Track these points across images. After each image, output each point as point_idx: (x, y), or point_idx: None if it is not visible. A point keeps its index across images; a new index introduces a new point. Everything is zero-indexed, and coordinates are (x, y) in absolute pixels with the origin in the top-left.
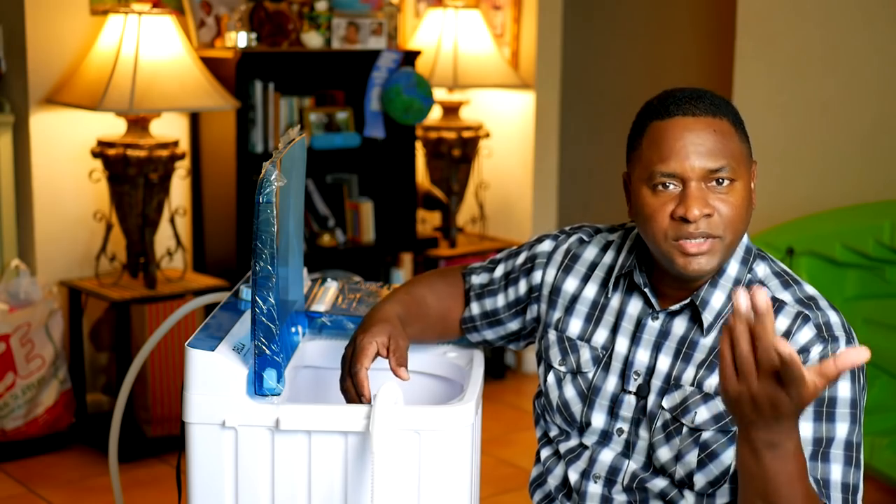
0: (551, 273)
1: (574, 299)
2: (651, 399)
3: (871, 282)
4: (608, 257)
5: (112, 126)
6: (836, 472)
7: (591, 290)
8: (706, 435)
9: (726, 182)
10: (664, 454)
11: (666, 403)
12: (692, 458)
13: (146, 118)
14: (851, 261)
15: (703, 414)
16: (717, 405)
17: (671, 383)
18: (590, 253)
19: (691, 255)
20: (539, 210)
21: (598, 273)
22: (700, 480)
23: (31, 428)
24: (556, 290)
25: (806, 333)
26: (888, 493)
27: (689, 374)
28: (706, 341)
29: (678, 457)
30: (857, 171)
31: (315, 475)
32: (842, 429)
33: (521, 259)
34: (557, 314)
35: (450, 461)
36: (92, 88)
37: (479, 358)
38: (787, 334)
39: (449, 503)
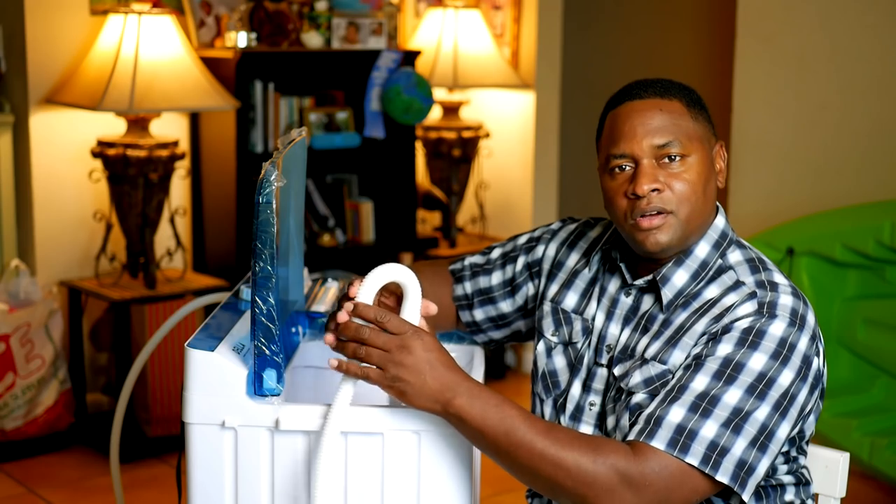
0: (554, 247)
1: (574, 274)
2: (614, 371)
3: (871, 282)
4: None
5: (112, 126)
6: (739, 446)
7: (590, 267)
8: (636, 398)
9: (678, 158)
10: (610, 422)
11: (617, 371)
12: (625, 422)
13: (146, 118)
14: (851, 261)
15: (636, 377)
16: (650, 370)
17: (626, 354)
18: (594, 232)
19: (645, 231)
20: (539, 210)
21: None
22: None
23: (30, 428)
24: (558, 264)
25: (746, 307)
26: (888, 493)
27: (641, 344)
28: (662, 317)
29: (617, 422)
30: (857, 171)
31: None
32: (763, 411)
33: (522, 240)
34: (555, 287)
35: (450, 461)
36: (92, 88)
37: (479, 357)
38: (731, 307)
39: (449, 503)
